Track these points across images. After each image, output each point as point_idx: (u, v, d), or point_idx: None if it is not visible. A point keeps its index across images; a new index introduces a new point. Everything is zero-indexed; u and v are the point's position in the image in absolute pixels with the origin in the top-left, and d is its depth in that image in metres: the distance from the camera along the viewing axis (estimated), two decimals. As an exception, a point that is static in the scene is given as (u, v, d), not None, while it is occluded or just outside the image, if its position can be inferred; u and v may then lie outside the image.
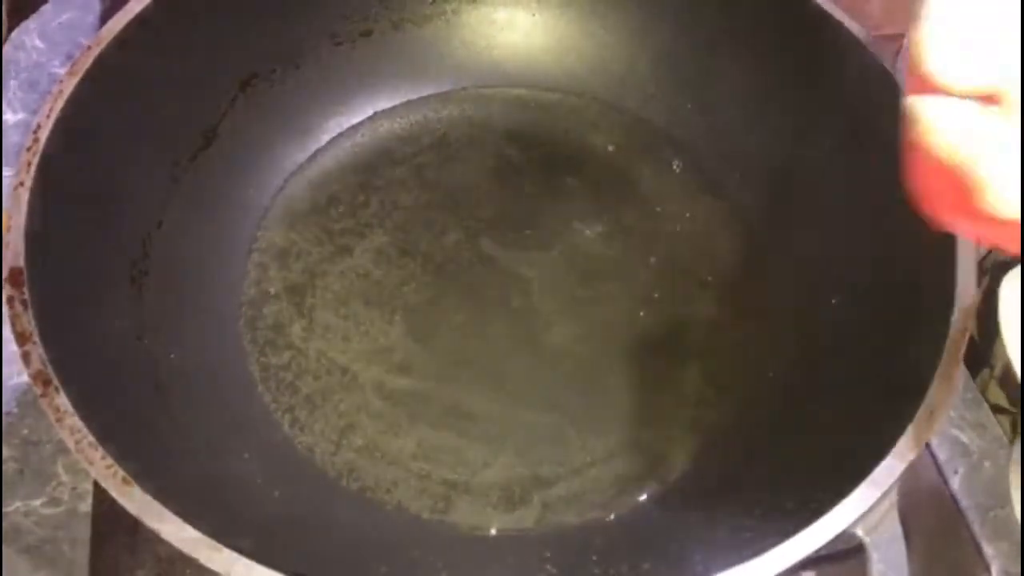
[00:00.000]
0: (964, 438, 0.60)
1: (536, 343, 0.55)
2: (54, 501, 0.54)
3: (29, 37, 0.76)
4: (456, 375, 0.54)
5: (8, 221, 0.41)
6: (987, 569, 0.54)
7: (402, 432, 0.52)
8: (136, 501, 0.35)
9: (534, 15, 0.65)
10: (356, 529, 0.48)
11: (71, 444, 0.36)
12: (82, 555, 0.52)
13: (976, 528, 0.55)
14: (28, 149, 0.43)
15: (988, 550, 0.54)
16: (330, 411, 0.52)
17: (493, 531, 0.49)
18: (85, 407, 0.37)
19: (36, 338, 0.38)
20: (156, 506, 0.35)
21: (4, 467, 0.55)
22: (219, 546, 0.34)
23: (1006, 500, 0.58)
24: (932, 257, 0.44)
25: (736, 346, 0.55)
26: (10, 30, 0.76)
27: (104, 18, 0.74)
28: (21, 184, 0.42)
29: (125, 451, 0.37)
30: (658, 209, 0.61)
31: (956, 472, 0.59)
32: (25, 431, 0.57)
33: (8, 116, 0.71)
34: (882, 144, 0.50)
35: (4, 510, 0.54)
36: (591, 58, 0.64)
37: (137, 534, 0.50)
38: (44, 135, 0.44)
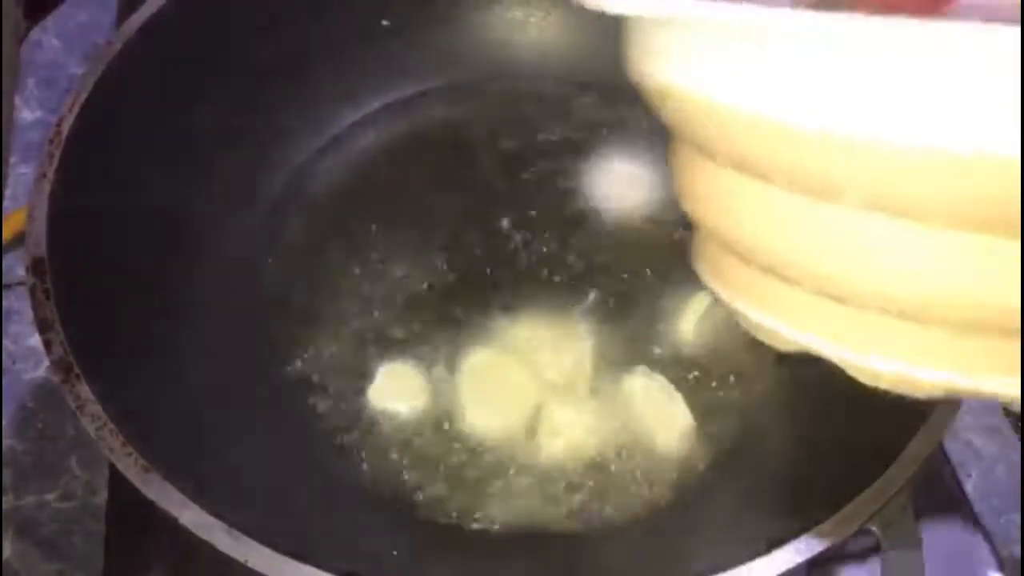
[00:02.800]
0: (977, 442, 0.60)
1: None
2: (67, 495, 0.55)
3: (46, 37, 0.77)
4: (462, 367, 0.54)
5: (31, 212, 0.41)
6: (1001, 571, 0.54)
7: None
8: (155, 488, 0.35)
9: (549, 13, 0.65)
10: (373, 519, 0.48)
11: (91, 431, 0.36)
12: (96, 548, 0.52)
13: (991, 532, 0.55)
14: (51, 141, 0.43)
15: (1002, 553, 0.54)
16: (347, 406, 0.52)
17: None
18: (105, 395, 0.37)
19: (58, 327, 0.38)
20: (175, 493, 0.35)
21: (18, 461, 0.56)
22: (237, 533, 0.34)
23: (1019, 504, 0.58)
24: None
25: (746, 341, 0.55)
26: (28, 30, 0.77)
27: (120, 18, 0.75)
28: (44, 175, 0.42)
29: (145, 439, 0.37)
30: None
31: (969, 476, 0.59)
32: (40, 425, 0.57)
33: (25, 114, 0.72)
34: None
35: (18, 503, 0.54)
36: (608, 56, 0.64)
37: (152, 529, 0.50)
38: (66, 128, 0.44)
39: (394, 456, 0.50)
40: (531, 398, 0.52)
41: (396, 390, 0.52)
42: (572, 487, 0.50)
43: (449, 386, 0.53)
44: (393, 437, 0.51)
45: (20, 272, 0.61)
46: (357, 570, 0.34)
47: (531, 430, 0.51)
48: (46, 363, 0.59)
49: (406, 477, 0.50)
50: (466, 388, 0.52)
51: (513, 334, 0.55)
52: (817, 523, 0.35)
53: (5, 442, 0.56)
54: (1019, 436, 0.61)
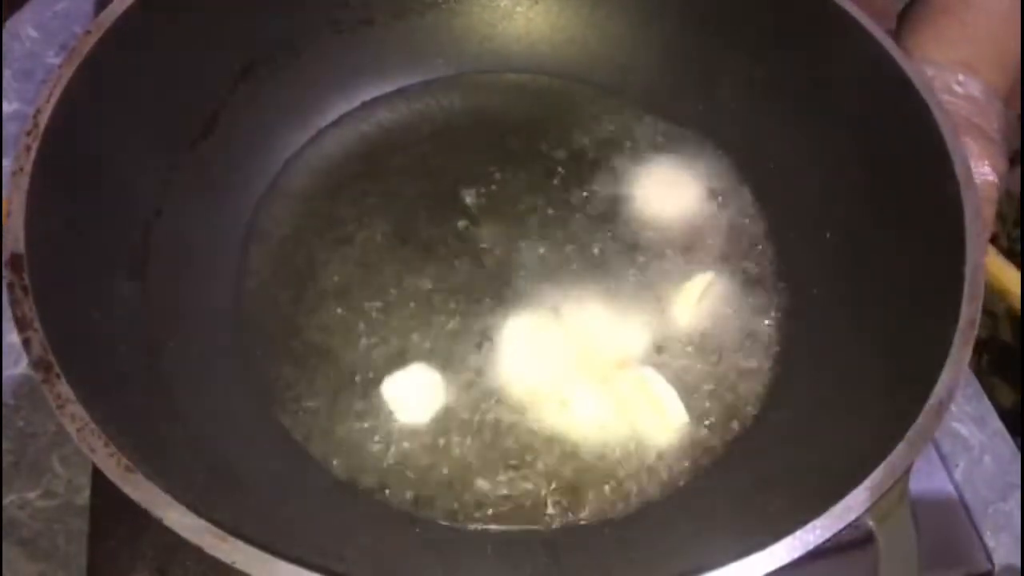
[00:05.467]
0: (965, 432, 0.61)
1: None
2: (49, 494, 0.54)
3: (23, 27, 0.76)
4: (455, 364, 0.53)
5: (8, 207, 0.40)
6: (989, 561, 0.54)
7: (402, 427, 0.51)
8: (139, 488, 0.34)
9: (536, 3, 0.64)
10: (350, 515, 0.47)
11: (72, 431, 0.35)
12: (79, 548, 0.52)
13: (978, 521, 0.55)
14: (28, 134, 0.42)
15: (990, 543, 0.55)
16: (328, 400, 0.51)
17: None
18: (86, 394, 0.36)
19: (37, 324, 0.37)
20: (159, 493, 0.34)
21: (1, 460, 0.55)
22: (223, 534, 0.33)
23: (1007, 493, 0.58)
24: (942, 249, 0.44)
25: (747, 337, 0.55)
26: (5, 19, 0.76)
27: (98, 7, 0.74)
28: (21, 169, 0.41)
29: (127, 438, 0.36)
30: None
31: (957, 466, 0.59)
32: (21, 423, 0.56)
33: (3, 106, 0.70)
34: (890, 134, 0.51)
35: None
36: (594, 46, 0.64)
37: (136, 527, 0.49)
38: (44, 120, 0.43)
39: (384, 452, 0.50)
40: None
41: (405, 391, 0.52)
42: (568, 480, 0.50)
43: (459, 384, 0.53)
44: (391, 437, 0.51)
45: (-1, 267, 0.60)
46: (346, 570, 0.34)
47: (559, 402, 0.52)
48: (27, 360, 0.58)
49: (408, 475, 0.49)
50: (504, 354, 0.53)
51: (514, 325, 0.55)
52: (812, 518, 0.35)
53: (-14, 440, 0.55)
54: (1006, 425, 0.61)
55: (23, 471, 0.55)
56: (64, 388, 0.36)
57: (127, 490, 0.34)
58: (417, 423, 0.51)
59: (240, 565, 0.33)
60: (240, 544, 0.33)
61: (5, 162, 0.66)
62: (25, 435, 0.56)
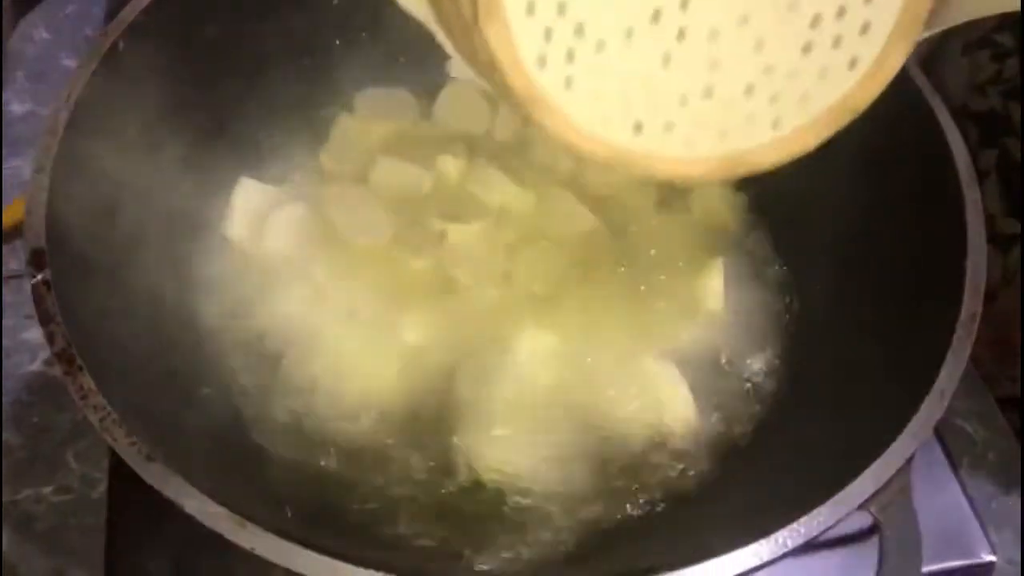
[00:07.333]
0: (969, 428, 0.61)
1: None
2: (64, 488, 0.54)
3: (36, 29, 0.76)
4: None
5: (28, 206, 0.41)
6: (993, 555, 0.54)
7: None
8: (159, 477, 0.35)
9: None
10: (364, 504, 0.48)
11: (95, 422, 0.36)
12: (94, 543, 0.52)
13: (981, 515, 0.56)
14: (48, 133, 0.43)
15: (993, 538, 0.55)
16: (337, 396, 0.52)
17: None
18: (106, 386, 0.37)
19: (60, 319, 0.38)
20: (180, 481, 0.35)
21: (14, 455, 0.55)
22: (243, 520, 0.34)
23: (1010, 489, 0.58)
24: (944, 245, 0.44)
25: (751, 333, 0.56)
26: (16, 21, 0.76)
27: (109, 8, 0.75)
28: (42, 168, 0.42)
29: (147, 428, 0.37)
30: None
31: (960, 462, 0.59)
32: (35, 419, 0.57)
33: (15, 107, 0.71)
34: (890, 128, 0.51)
35: (14, 498, 0.54)
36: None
37: (152, 520, 0.50)
38: (63, 120, 0.44)
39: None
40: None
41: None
42: (576, 479, 0.50)
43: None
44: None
45: (12, 266, 0.61)
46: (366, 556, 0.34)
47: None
48: (41, 356, 0.59)
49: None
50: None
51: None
52: (815, 507, 0.35)
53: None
54: (1010, 423, 0.61)
55: (38, 466, 0.55)
56: (87, 380, 0.37)
57: (147, 478, 0.35)
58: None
59: (259, 551, 0.34)
60: (259, 530, 0.34)
61: (17, 163, 0.67)
62: (39, 430, 0.56)
